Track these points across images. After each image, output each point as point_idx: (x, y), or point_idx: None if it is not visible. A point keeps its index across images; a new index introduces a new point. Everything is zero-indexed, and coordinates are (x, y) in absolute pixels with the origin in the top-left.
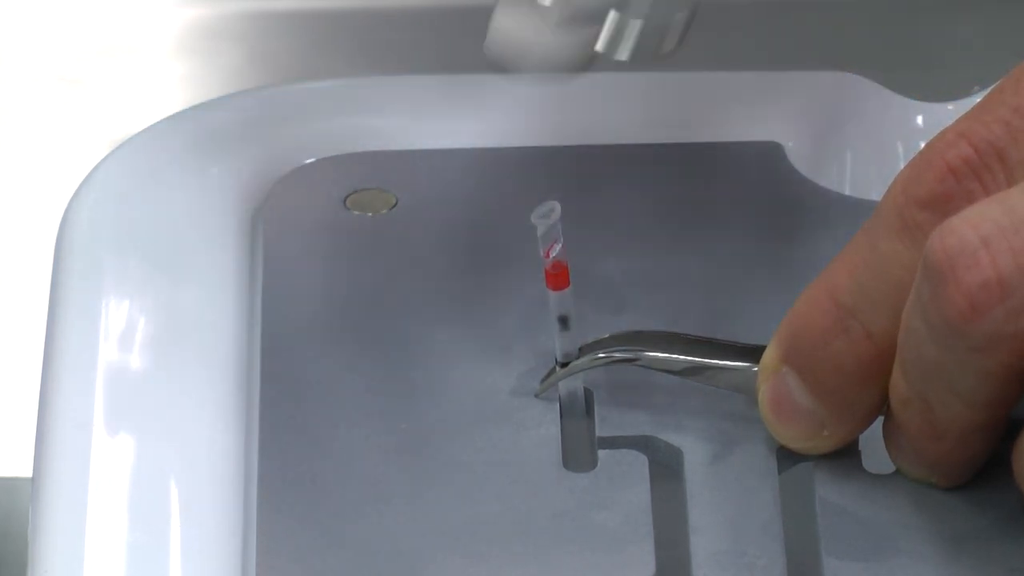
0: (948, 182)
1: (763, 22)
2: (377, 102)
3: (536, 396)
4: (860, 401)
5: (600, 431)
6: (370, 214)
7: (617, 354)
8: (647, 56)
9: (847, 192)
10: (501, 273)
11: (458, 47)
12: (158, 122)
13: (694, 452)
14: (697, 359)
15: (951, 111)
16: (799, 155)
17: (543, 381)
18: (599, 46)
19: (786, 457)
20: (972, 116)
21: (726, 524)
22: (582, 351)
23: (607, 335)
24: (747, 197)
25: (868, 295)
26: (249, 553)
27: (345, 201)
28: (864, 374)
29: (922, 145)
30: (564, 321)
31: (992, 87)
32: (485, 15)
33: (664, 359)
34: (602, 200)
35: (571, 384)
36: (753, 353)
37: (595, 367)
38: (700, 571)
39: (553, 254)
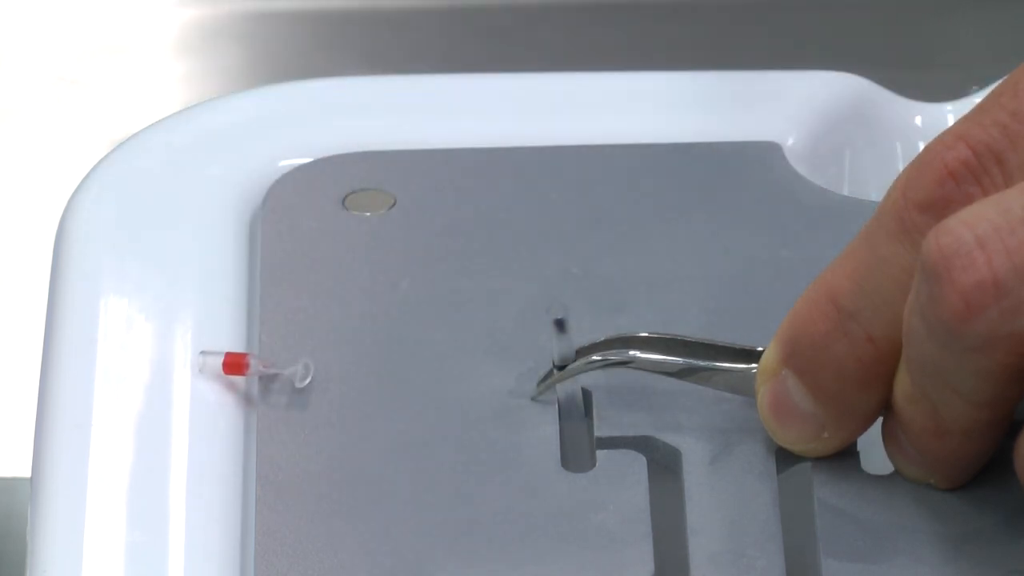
0: (947, 185)
1: (762, 22)
2: (377, 102)
3: (533, 399)
4: (860, 404)
5: (599, 431)
6: (369, 214)
7: (613, 357)
8: None
9: (846, 192)
10: (499, 273)
11: (458, 47)
12: (158, 122)
13: (693, 453)
14: (694, 361)
15: (950, 112)
16: (798, 155)
17: (540, 384)
18: None
19: (785, 458)
20: (970, 119)
21: (725, 525)
22: (579, 354)
23: (603, 338)
24: (745, 197)
25: (869, 298)
26: (249, 553)
27: (344, 201)
28: (865, 377)
29: (921, 146)
30: (560, 324)
31: (990, 89)
32: (486, 15)
33: (660, 362)
34: (601, 200)
35: (569, 386)
36: (751, 355)
37: (590, 370)
38: (698, 572)
39: None
